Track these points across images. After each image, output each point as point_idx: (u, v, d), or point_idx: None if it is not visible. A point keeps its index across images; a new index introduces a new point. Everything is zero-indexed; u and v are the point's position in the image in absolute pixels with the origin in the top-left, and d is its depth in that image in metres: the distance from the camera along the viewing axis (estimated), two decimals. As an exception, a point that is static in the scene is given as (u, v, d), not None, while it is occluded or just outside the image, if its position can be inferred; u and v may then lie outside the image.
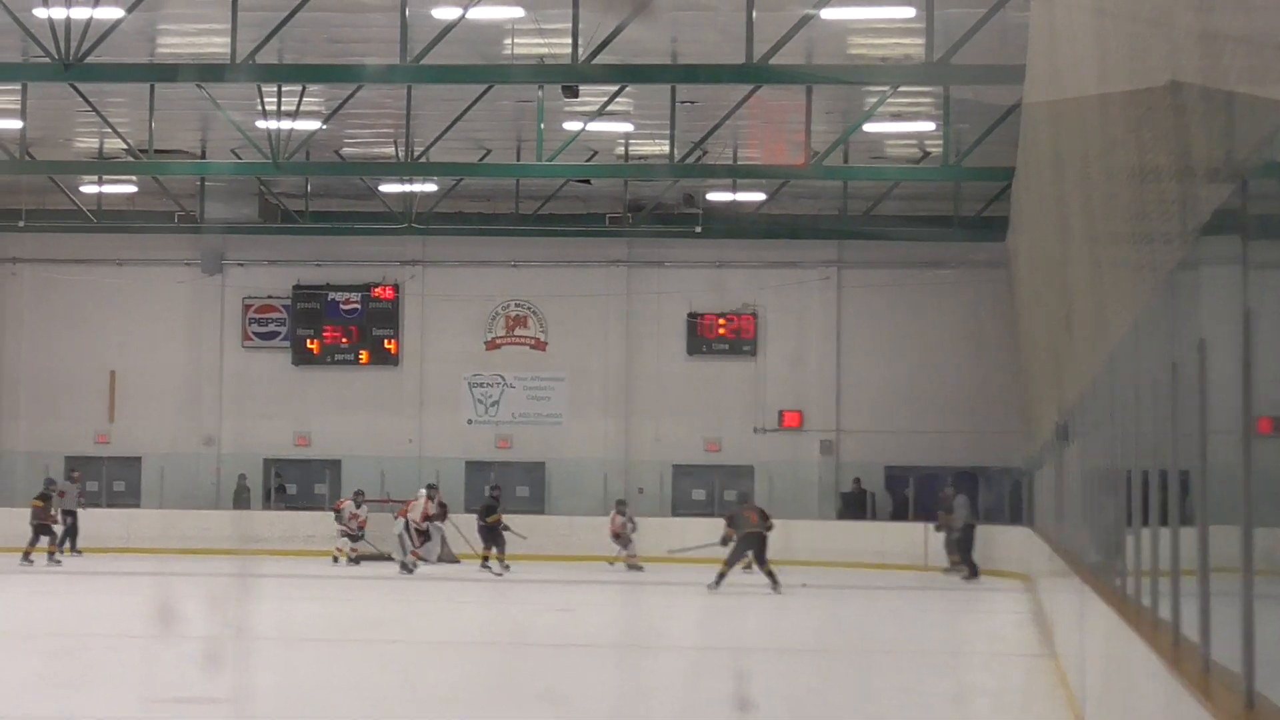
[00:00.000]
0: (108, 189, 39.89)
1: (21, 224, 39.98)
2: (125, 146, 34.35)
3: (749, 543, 29.07)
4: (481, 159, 35.93)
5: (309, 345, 43.82)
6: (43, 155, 36.15)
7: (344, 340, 43.76)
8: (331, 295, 43.82)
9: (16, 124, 32.78)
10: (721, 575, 28.69)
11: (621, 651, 20.28)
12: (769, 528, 29.31)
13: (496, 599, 27.10)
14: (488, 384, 43.49)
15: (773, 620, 25.95)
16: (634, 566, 35.90)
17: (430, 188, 39.05)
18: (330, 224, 41.14)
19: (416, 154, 32.95)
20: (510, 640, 21.58)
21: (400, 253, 43.04)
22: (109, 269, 43.88)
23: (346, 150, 37.31)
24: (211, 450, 43.43)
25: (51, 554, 34.91)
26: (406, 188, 38.99)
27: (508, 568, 33.45)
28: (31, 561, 34.41)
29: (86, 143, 37.36)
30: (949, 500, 35.47)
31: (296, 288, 43.84)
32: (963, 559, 34.60)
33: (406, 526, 34.67)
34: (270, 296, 44.07)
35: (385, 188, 39.28)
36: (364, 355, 43.67)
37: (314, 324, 43.79)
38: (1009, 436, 36.21)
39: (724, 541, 29.68)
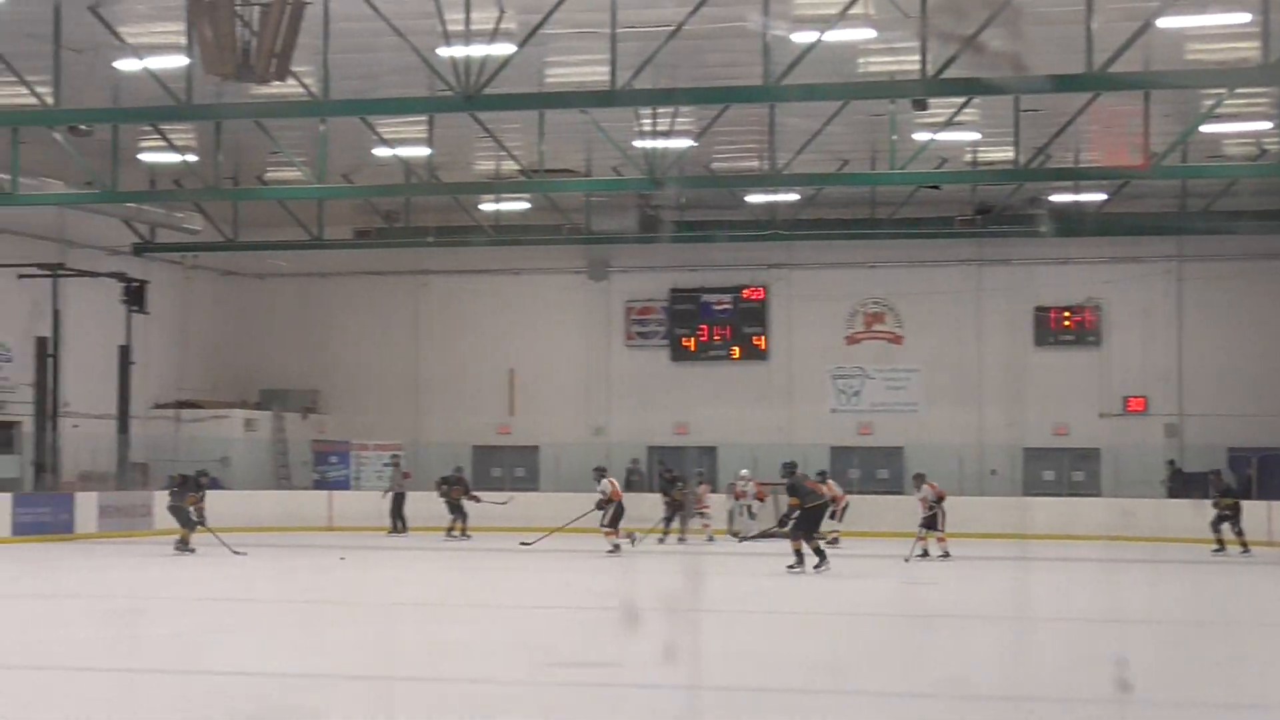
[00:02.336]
0: (504, 206, 40.73)
1: (430, 240, 41.01)
2: (519, 167, 35.13)
3: (816, 515, 26.43)
4: (839, 169, 35.89)
5: (685, 343, 44.33)
6: (448, 178, 37.07)
7: (717, 338, 44.19)
8: (705, 297, 44.27)
9: (425, 151, 33.80)
10: (798, 553, 25.80)
11: (988, 622, 19.87)
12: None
13: (858, 573, 26.90)
14: (849, 376, 43.50)
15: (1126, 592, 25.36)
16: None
17: (793, 197, 39.15)
18: (703, 232, 41.50)
19: (780, 166, 33.07)
20: (880, 612, 21.35)
21: (767, 257, 43.22)
22: (507, 278, 44.90)
23: (716, 165, 37.58)
24: (601, 439, 44.14)
25: (459, 531, 35.74)
26: (771, 197, 39.16)
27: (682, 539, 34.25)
28: (454, 537, 35.44)
29: (485, 165, 38.20)
30: (1220, 482, 33.85)
31: (674, 291, 44.36)
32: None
33: (738, 507, 35.37)
34: (650, 299, 44.65)
35: (751, 197, 39.49)
36: (735, 351, 44.04)
37: (690, 324, 44.29)
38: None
39: (785, 519, 27.11)
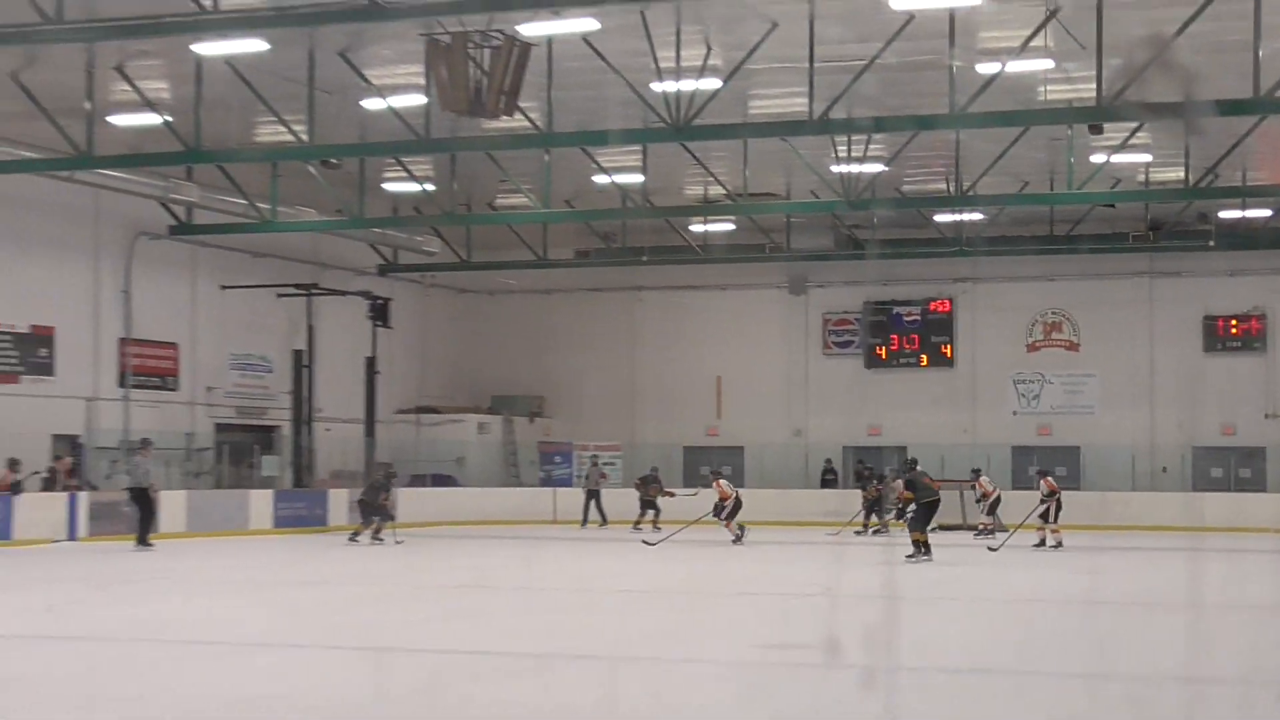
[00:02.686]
0: (711, 227, 40.76)
1: (645, 259, 41.10)
2: (725, 191, 35.13)
3: (931, 509, 25.99)
4: (1020, 189, 35.40)
5: (878, 352, 44.04)
6: (660, 202, 37.11)
7: (907, 346, 43.84)
8: (896, 309, 43.95)
9: (639, 178, 33.88)
10: (917, 543, 25.40)
11: (1166, 610, 19.35)
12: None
13: (1028, 563, 26.43)
14: (1029, 380, 42.95)
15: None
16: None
17: (977, 216, 38.71)
18: (894, 250, 41.17)
19: (965, 188, 32.72)
20: (1055, 598, 20.96)
21: (952, 271, 42.77)
22: (714, 293, 44.90)
23: (906, 187, 37.26)
24: (800, 440, 43.99)
25: (649, 525, 35.44)
26: (957, 216, 38.80)
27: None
28: (640, 530, 35.17)
29: (693, 190, 38.22)
30: None
31: (867, 304, 44.09)
32: None
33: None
34: (846, 312, 44.41)
35: (939, 217, 39.14)
36: (924, 359, 43.67)
37: (882, 334, 44.00)
38: None
39: (901, 512, 27.00)
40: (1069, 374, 42.69)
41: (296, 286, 38.96)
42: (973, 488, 35.09)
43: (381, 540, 30.26)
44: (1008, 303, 42.97)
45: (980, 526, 33.88)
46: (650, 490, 36.07)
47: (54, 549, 28.51)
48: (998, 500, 33.98)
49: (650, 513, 35.76)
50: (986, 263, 41.89)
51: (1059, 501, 30.18)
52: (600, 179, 35.04)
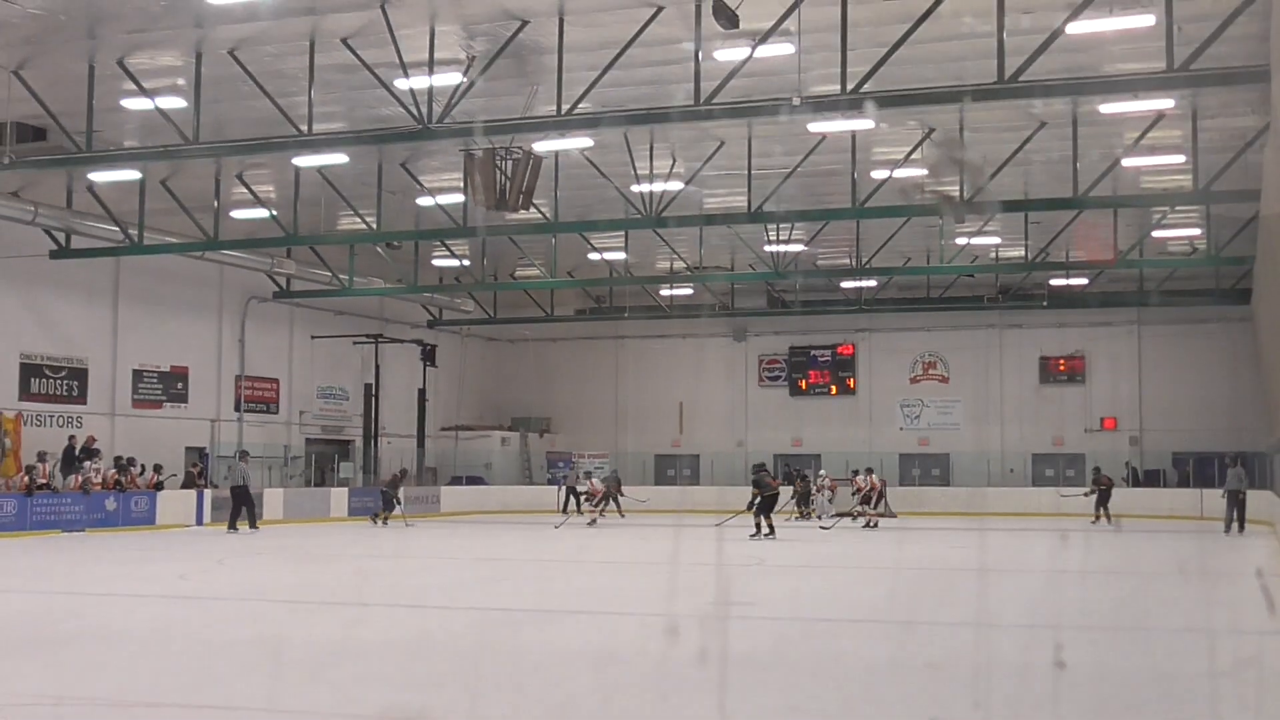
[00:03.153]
0: (676, 291, 40.40)
1: (626, 315, 40.92)
2: (685, 264, 35.06)
3: (771, 501, 25.94)
4: (905, 263, 35.31)
5: (800, 384, 43.83)
6: (638, 272, 37.00)
7: (822, 379, 43.65)
8: (813, 351, 43.75)
9: (623, 255, 33.78)
10: (758, 526, 25.60)
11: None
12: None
13: (915, 540, 26.43)
14: (912, 405, 42.65)
15: None
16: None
17: (873, 282, 38.67)
18: (811, 308, 41.11)
19: (864, 261, 32.62)
20: (926, 566, 20.88)
21: (855, 324, 42.64)
22: (677, 340, 44.53)
23: (820, 261, 37.05)
24: (741, 449, 43.85)
25: (599, 514, 35.22)
26: (858, 283, 38.60)
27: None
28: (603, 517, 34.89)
29: (663, 263, 37.85)
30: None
31: (792, 348, 43.93)
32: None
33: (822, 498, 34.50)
34: (775, 353, 44.27)
35: (845, 283, 38.92)
36: (834, 389, 43.43)
37: (803, 370, 43.78)
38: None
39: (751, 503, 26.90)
40: (941, 399, 42.73)
41: (367, 336, 38.96)
42: (850, 483, 34.64)
43: (386, 524, 30.22)
44: (896, 347, 43.05)
45: (855, 514, 33.64)
46: (611, 487, 36.19)
47: (186, 532, 28.46)
48: (876, 493, 33.59)
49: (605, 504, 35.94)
50: (880, 318, 42.01)
51: (881, 493, 30.98)
52: (594, 255, 35.19)
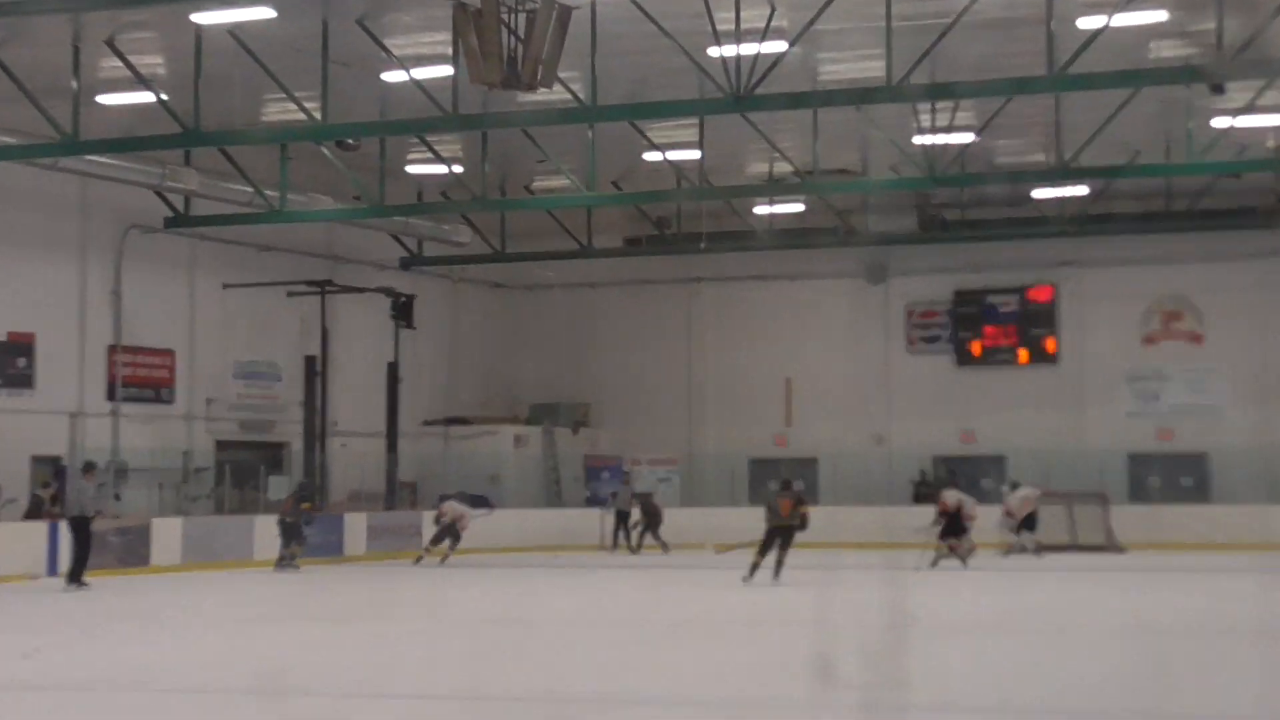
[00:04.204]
0: (778, 209, 40.92)
1: (703, 246, 41.18)
2: (793, 169, 35.30)
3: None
4: (1131, 160, 35.45)
5: (970, 347, 44.12)
6: (719, 181, 37.32)
7: (1003, 341, 43.90)
8: (990, 299, 44.03)
9: (695, 154, 34.12)
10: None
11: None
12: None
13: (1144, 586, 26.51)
14: (1146, 378, 42.90)
15: None
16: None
17: (1082, 190, 38.72)
18: (986, 231, 41.31)
19: (1067, 159, 32.81)
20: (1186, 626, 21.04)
21: (1055, 255, 42.81)
22: (782, 283, 45.03)
23: (999, 160, 37.34)
24: (882, 449, 44.06)
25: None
26: (1058, 192, 38.76)
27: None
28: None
29: (757, 168, 38.38)
30: None
31: (957, 293, 44.19)
32: None
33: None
34: (932, 303, 44.50)
35: (1038, 193, 39.11)
36: (1023, 354, 43.71)
37: (974, 327, 44.09)
38: None
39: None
40: (1193, 369, 42.58)
41: (309, 284, 39.27)
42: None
43: (296, 567, 31.20)
44: (1119, 290, 42.93)
45: (1009, 548, 34.11)
46: (650, 507, 36.80)
47: (32, 587, 28.33)
48: (1030, 517, 34.12)
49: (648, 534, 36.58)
50: (1093, 244, 41.88)
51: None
52: (651, 156, 35.30)
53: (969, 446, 43.49)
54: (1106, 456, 41.05)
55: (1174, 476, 41.92)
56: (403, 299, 40.79)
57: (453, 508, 34.78)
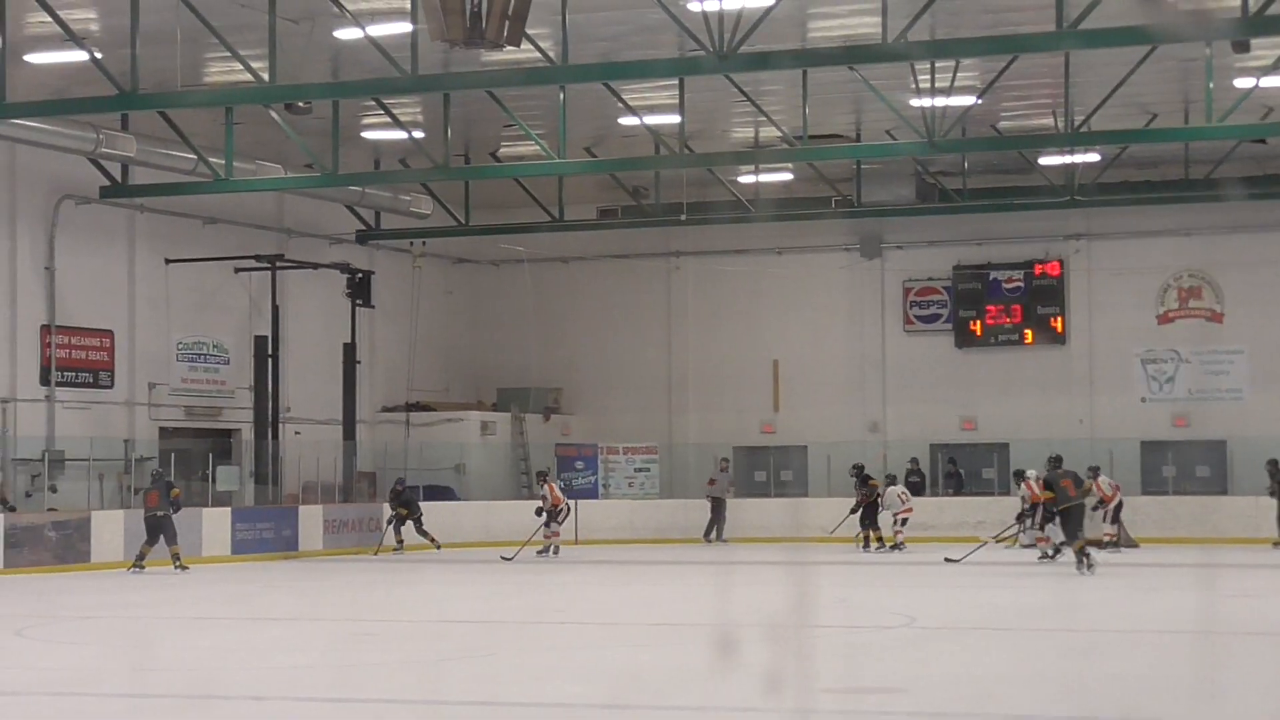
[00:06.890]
0: (765, 178, 40.84)
1: (683, 218, 41.08)
2: (780, 134, 35.17)
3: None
4: (1147, 124, 35.38)
5: (971, 326, 44.03)
6: (701, 148, 37.25)
7: (1007, 320, 43.82)
8: (993, 274, 43.94)
9: (675, 119, 33.94)
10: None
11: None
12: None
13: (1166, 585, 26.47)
14: (1161, 360, 42.87)
15: None
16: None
17: (1093, 157, 38.66)
18: (990, 201, 41.19)
19: (1077, 123, 32.70)
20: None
21: (1064, 227, 42.81)
22: (769, 258, 44.98)
23: (1003, 124, 37.29)
24: (877, 437, 44.01)
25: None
26: (1068, 159, 38.69)
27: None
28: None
29: (742, 133, 38.33)
30: None
31: (957, 268, 44.12)
32: None
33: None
34: (931, 278, 44.44)
35: (1045, 160, 39.04)
36: (1028, 335, 43.65)
37: (976, 305, 44.00)
38: None
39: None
40: (1212, 350, 42.61)
41: (258, 259, 39.18)
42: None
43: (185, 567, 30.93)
44: (1133, 264, 42.94)
45: (1106, 539, 33.75)
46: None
47: None
48: (1119, 506, 33.93)
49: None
50: (1105, 215, 41.91)
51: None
52: (628, 121, 35.20)
53: (970, 434, 43.54)
54: (1118, 445, 41.02)
55: (1190, 466, 41.96)
56: (359, 275, 40.77)
57: (553, 491, 35.85)
